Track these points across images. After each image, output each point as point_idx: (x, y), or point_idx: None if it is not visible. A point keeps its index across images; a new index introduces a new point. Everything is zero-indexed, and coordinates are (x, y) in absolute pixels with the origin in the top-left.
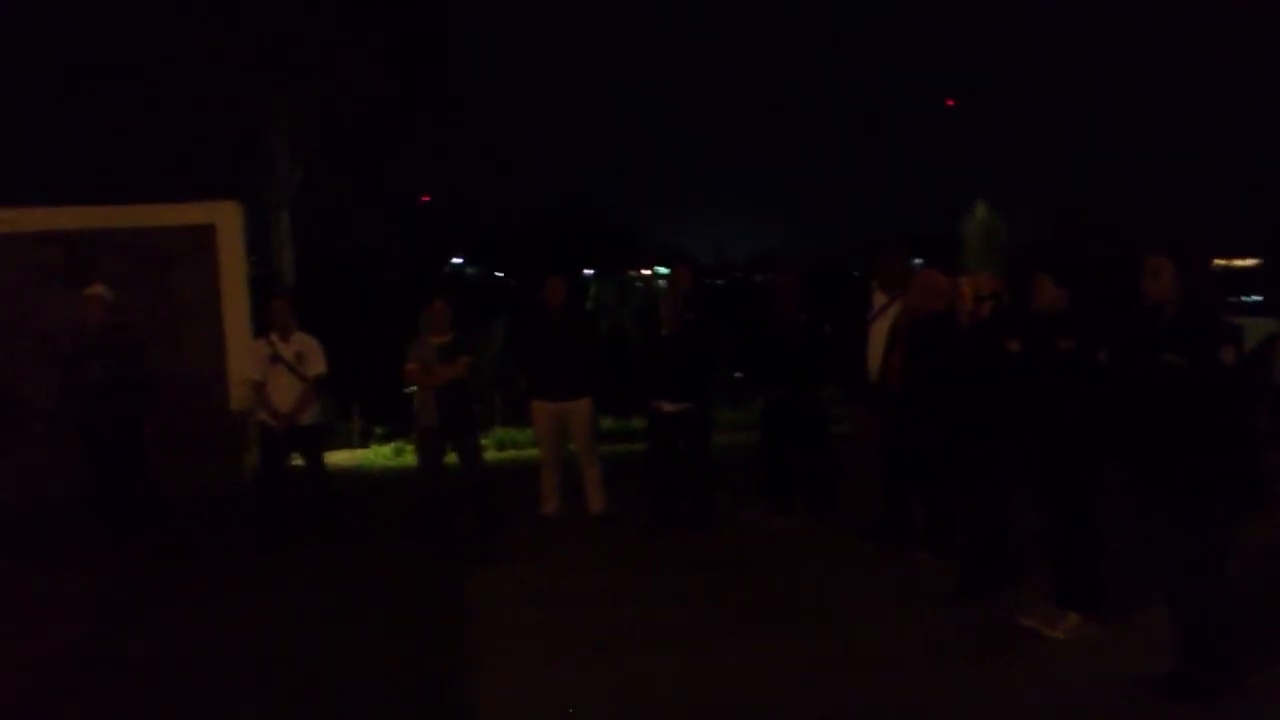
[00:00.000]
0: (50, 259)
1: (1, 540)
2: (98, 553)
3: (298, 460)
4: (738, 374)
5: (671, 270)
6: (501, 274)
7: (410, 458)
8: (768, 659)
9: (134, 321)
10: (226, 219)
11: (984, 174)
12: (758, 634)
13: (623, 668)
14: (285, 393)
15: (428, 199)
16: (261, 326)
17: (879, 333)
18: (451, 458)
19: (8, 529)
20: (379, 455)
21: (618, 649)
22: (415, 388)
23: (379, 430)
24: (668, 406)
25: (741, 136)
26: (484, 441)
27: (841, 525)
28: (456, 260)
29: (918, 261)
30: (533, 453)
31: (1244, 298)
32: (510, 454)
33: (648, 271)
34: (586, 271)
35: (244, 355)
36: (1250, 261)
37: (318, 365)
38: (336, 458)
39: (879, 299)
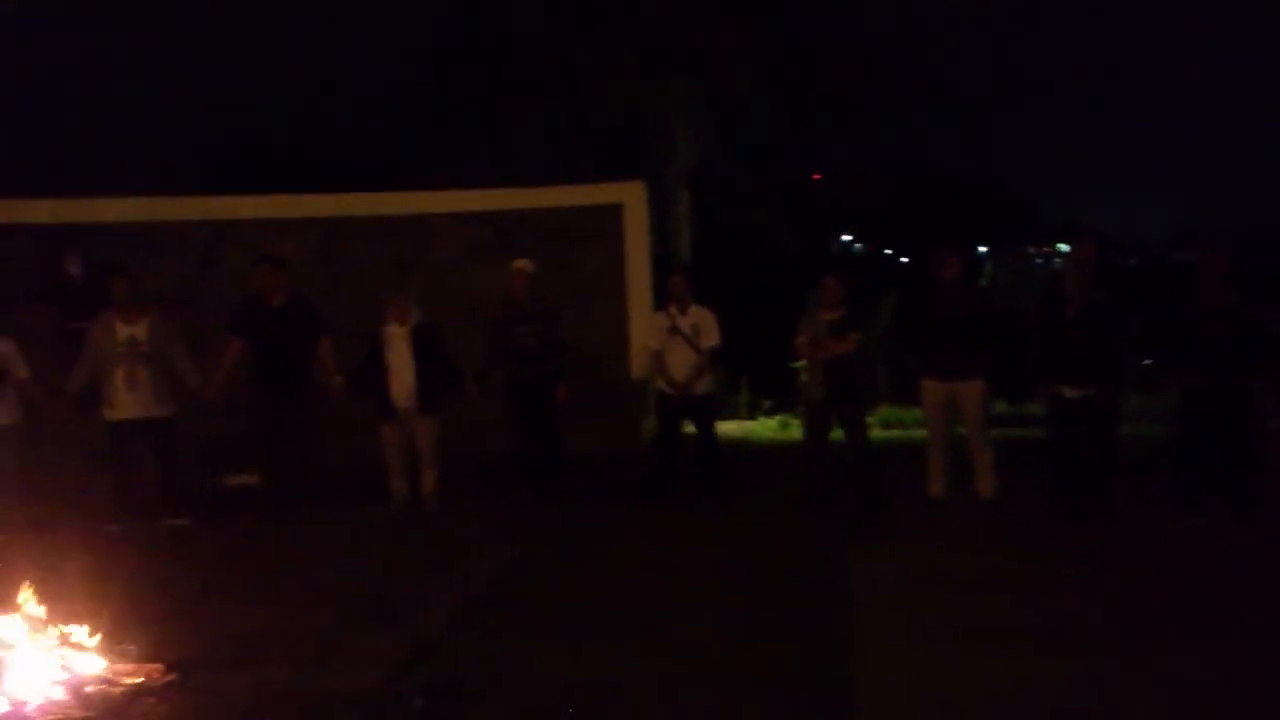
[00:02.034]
0: (479, 236)
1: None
2: (516, 502)
3: (690, 427)
4: (1147, 360)
5: (1074, 245)
6: (889, 250)
7: (795, 432)
8: (1178, 672)
9: (550, 293)
10: (633, 198)
11: None
12: (1164, 642)
13: (1006, 662)
14: (681, 363)
15: (819, 176)
16: (661, 300)
17: None
18: (836, 433)
19: (443, 479)
20: (765, 427)
21: (1002, 642)
22: (804, 362)
23: (765, 403)
24: (1069, 391)
25: (1160, 101)
26: (869, 419)
27: (1268, 530)
28: (845, 237)
29: None
30: (918, 433)
31: None
32: (895, 433)
33: (1048, 248)
34: (980, 248)
35: (644, 327)
36: None
37: (712, 338)
38: (725, 428)
39: None
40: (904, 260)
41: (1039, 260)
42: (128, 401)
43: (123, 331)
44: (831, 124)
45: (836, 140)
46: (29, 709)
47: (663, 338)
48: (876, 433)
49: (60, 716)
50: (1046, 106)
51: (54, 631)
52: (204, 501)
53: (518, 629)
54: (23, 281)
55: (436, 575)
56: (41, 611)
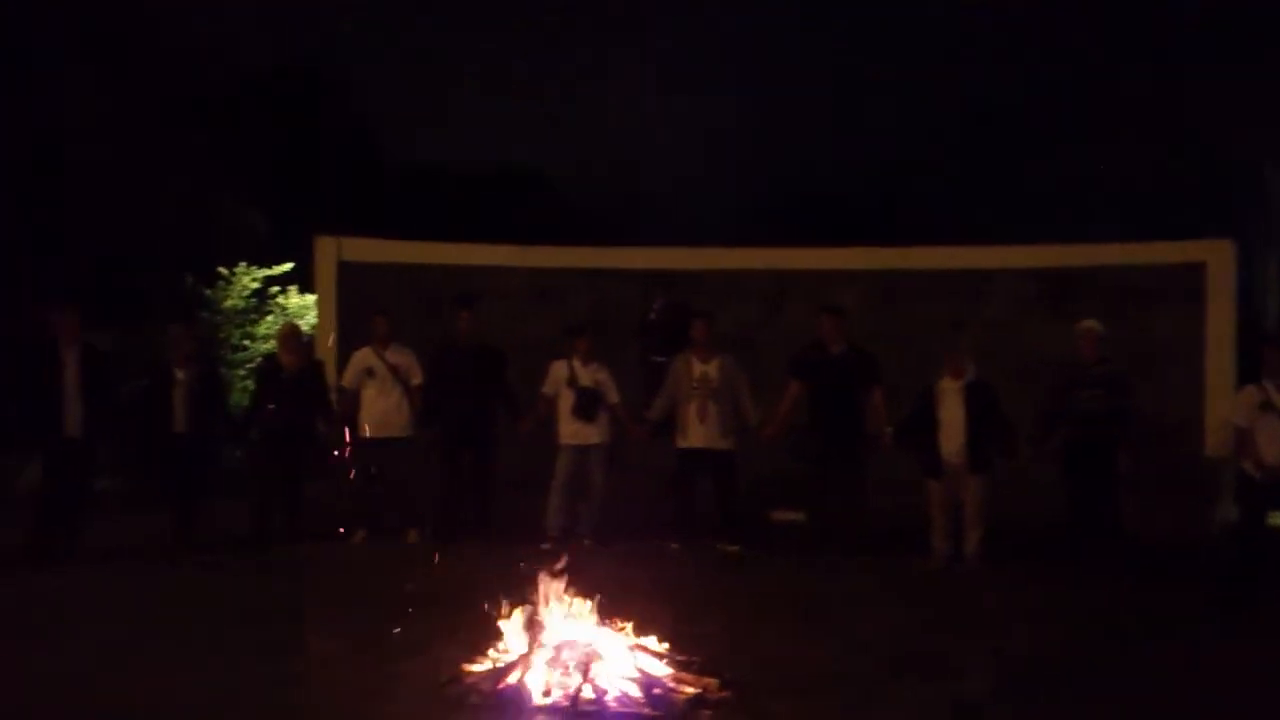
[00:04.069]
0: (1036, 293)
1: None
2: (1065, 573)
3: (1278, 518)
4: None
5: None
6: None
7: None
8: None
9: (1118, 356)
10: (1219, 258)
11: None
12: None
13: None
14: (1276, 444)
15: None
16: (1249, 372)
17: None
18: None
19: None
20: None
21: None
22: None
23: None
24: None
25: None
26: None
27: None
28: None
29: None
30: None
31: None
32: None
33: None
34: None
35: (1229, 400)
36: None
37: None
38: None
39: None
40: None
41: None
42: (698, 432)
43: (697, 369)
44: None
45: None
46: (608, 698)
47: (1252, 414)
48: None
49: (633, 711)
50: None
51: (627, 634)
52: (753, 532)
53: (1057, 707)
54: (618, 319)
55: (977, 639)
56: (618, 616)
